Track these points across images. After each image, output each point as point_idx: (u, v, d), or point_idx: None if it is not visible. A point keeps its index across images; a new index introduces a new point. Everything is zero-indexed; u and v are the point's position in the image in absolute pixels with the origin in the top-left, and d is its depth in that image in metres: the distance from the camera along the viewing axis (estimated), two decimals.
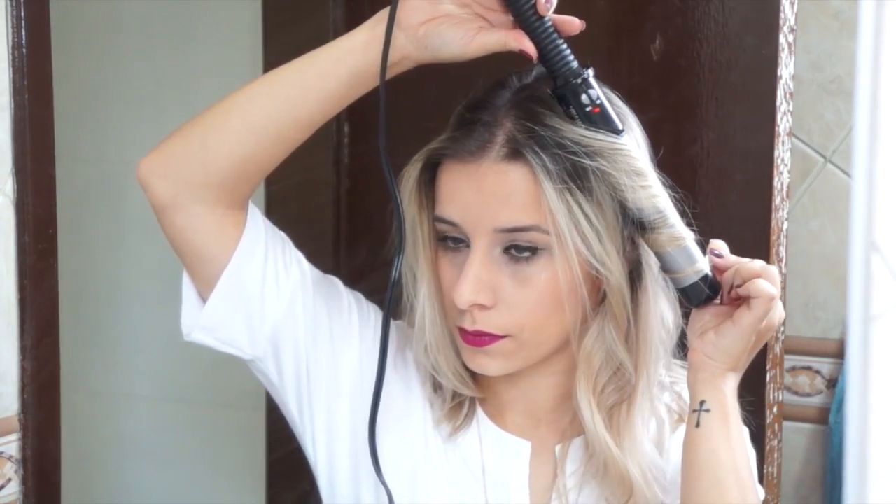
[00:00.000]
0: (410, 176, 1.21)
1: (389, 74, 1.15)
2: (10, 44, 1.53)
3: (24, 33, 1.53)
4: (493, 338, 1.17)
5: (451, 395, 1.27)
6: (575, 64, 1.12)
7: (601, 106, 1.12)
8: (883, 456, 0.57)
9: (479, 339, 1.18)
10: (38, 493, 1.60)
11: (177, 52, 2.30)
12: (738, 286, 1.15)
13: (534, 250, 1.15)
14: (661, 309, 1.21)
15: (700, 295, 1.16)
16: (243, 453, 2.33)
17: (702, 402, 1.15)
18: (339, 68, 1.14)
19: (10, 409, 1.57)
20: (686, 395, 1.23)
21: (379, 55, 1.12)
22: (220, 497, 2.37)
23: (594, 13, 1.82)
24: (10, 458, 1.58)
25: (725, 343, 1.15)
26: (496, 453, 1.25)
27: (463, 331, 1.19)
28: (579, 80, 1.12)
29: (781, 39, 1.69)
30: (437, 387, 1.27)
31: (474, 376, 1.26)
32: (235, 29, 2.23)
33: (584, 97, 1.12)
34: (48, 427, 1.61)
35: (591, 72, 1.13)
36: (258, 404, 2.25)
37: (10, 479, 1.58)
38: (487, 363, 1.20)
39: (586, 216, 1.12)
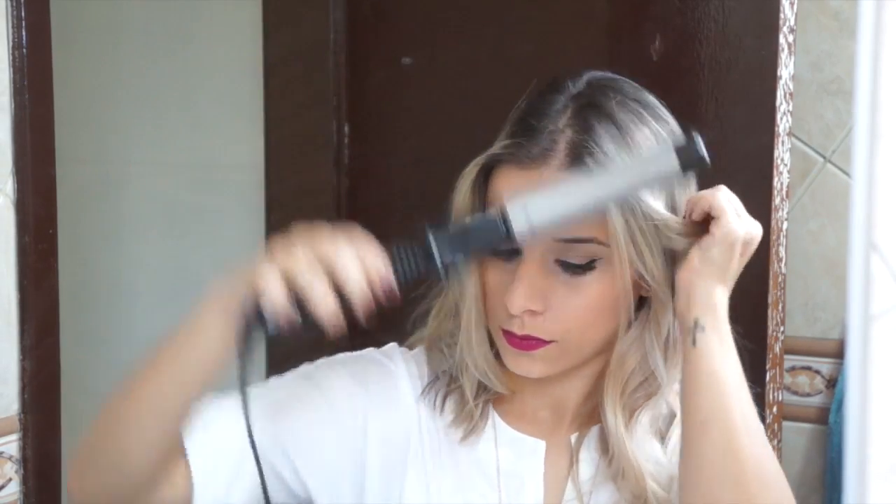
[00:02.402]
0: (467, 178, 1.20)
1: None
2: (10, 44, 1.53)
3: (24, 33, 1.53)
4: (540, 342, 1.18)
5: (463, 399, 1.26)
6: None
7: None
8: (883, 456, 0.57)
9: (527, 342, 1.18)
10: (39, 493, 1.60)
11: (177, 52, 2.30)
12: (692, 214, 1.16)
13: (590, 261, 1.16)
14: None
15: None
16: None
17: (695, 321, 1.15)
18: (204, 368, 1.10)
19: (11, 409, 1.57)
20: None
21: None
22: None
23: (594, 13, 1.83)
24: (10, 457, 1.58)
25: (710, 253, 1.15)
26: (511, 454, 1.26)
27: (509, 334, 1.19)
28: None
29: (781, 40, 1.69)
30: (449, 390, 1.27)
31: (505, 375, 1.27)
32: (235, 29, 2.23)
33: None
34: (48, 427, 1.62)
35: (430, 235, 1.09)
36: None
37: (10, 479, 1.58)
38: (531, 366, 1.20)
39: (640, 229, 1.14)
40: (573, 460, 1.25)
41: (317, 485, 1.24)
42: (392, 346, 1.31)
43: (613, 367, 1.21)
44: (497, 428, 1.27)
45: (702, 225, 1.17)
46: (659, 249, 1.15)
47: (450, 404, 1.27)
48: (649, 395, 1.23)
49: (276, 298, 1.03)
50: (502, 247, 1.12)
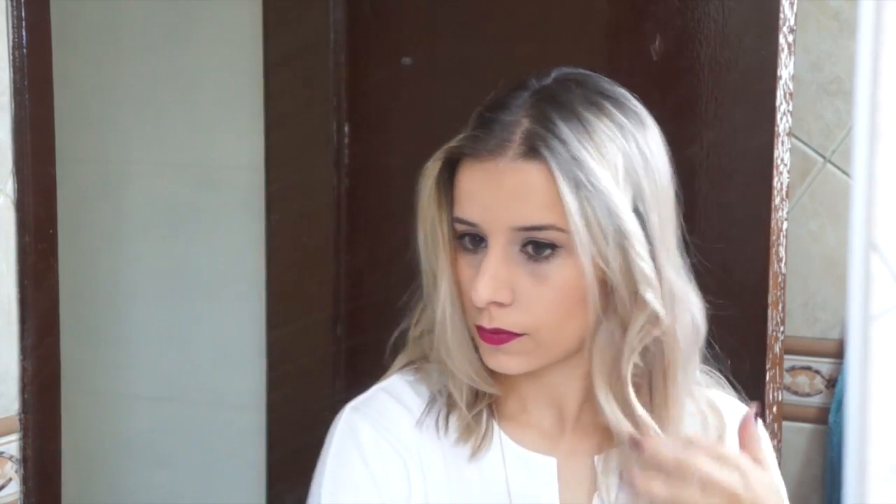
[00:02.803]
0: (430, 175, 1.21)
1: None
2: (11, 44, 1.53)
3: (24, 33, 1.53)
4: (511, 335, 1.17)
5: (462, 412, 1.25)
6: None
7: None
8: (883, 456, 0.57)
9: (497, 336, 1.18)
10: (39, 493, 1.60)
11: (177, 52, 2.30)
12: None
13: (552, 248, 1.15)
14: (688, 308, 1.20)
15: None
16: (243, 453, 2.33)
17: None
18: None
19: (11, 409, 1.57)
20: (719, 403, 1.25)
21: None
22: (220, 497, 2.37)
23: (594, 13, 1.83)
24: (10, 457, 1.58)
25: None
26: (521, 474, 1.24)
27: (481, 329, 1.19)
28: None
29: (781, 40, 1.69)
30: (450, 408, 1.26)
31: (496, 378, 1.25)
32: (235, 29, 2.23)
33: None
34: (49, 427, 1.62)
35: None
36: (258, 404, 2.25)
37: (10, 479, 1.58)
38: (506, 361, 1.19)
39: (597, 217, 1.13)
40: (598, 484, 1.23)
41: None
42: (372, 396, 1.28)
43: (595, 363, 1.19)
44: (504, 446, 1.25)
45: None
46: (616, 241, 1.14)
47: (452, 421, 1.25)
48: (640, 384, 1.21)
49: None
50: None
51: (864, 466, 0.57)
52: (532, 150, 1.14)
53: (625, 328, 1.18)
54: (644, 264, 1.15)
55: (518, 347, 1.18)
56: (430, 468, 1.24)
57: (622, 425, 1.19)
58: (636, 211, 1.16)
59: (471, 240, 1.19)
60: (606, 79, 1.23)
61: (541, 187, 1.14)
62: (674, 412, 1.20)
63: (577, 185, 1.12)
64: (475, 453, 1.24)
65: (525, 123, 1.15)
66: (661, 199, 1.18)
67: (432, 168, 1.21)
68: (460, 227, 1.19)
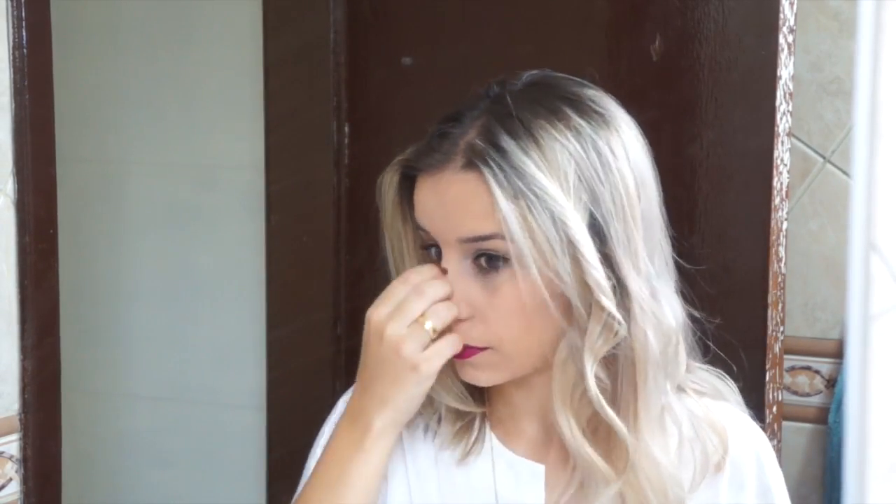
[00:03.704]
0: (389, 187, 1.21)
1: None
2: (11, 44, 1.53)
3: (24, 33, 1.53)
4: (474, 349, 1.17)
5: (457, 415, 1.25)
6: None
7: None
8: (883, 456, 0.57)
9: (463, 350, 1.17)
10: (39, 493, 1.60)
11: (177, 52, 2.30)
12: None
13: (502, 260, 1.14)
14: (656, 318, 1.16)
15: None
16: (243, 453, 2.33)
17: None
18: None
19: (11, 409, 1.57)
20: (715, 410, 1.22)
21: None
22: (220, 497, 2.37)
23: (594, 13, 1.83)
24: (10, 457, 1.58)
25: None
26: (509, 479, 1.23)
27: None
28: None
29: (781, 40, 1.69)
30: (440, 414, 1.25)
31: (481, 392, 1.25)
32: (235, 29, 2.23)
33: None
34: (49, 427, 1.62)
35: None
36: (258, 404, 2.25)
37: (10, 479, 1.58)
38: (475, 374, 1.19)
39: (540, 226, 1.11)
40: (582, 491, 1.21)
41: None
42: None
43: (556, 375, 1.17)
44: (494, 450, 1.24)
45: None
46: (565, 250, 1.11)
47: (445, 423, 1.25)
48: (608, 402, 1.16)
49: None
50: None
51: (864, 466, 0.57)
52: (470, 162, 1.14)
53: (583, 343, 1.14)
54: (596, 272, 1.12)
55: (484, 360, 1.18)
56: (419, 470, 1.24)
57: (581, 448, 1.17)
58: (592, 217, 1.13)
59: (436, 251, 1.19)
60: (578, 80, 1.21)
61: (479, 197, 1.13)
62: (644, 426, 1.16)
63: (516, 195, 1.11)
64: (465, 457, 1.24)
65: (470, 136, 1.15)
66: (627, 204, 1.15)
67: (389, 181, 1.21)
68: (424, 237, 1.20)
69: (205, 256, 2.31)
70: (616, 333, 1.14)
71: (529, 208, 1.11)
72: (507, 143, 1.13)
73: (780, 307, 1.74)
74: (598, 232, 1.13)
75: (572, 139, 1.14)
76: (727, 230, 1.74)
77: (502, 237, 1.12)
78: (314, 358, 2.15)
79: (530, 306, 1.14)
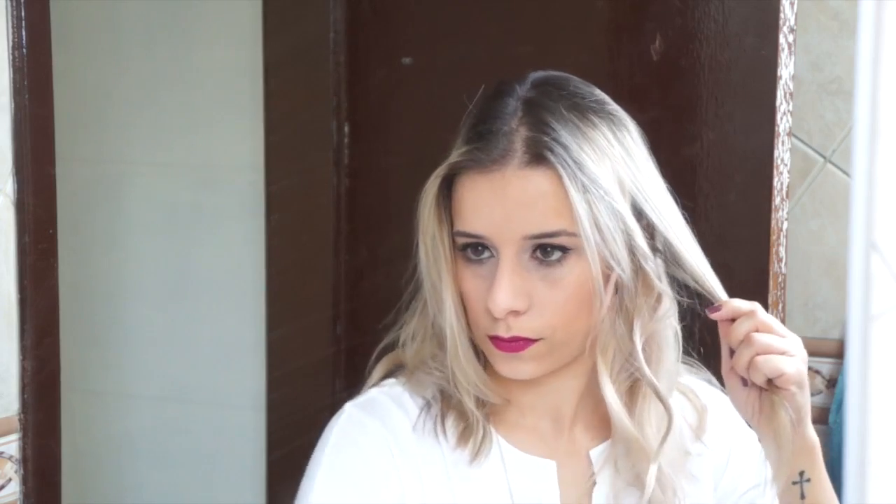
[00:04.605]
0: (430, 192, 1.21)
1: None
2: (10, 44, 1.53)
3: (24, 33, 1.53)
4: (528, 342, 1.18)
5: (463, 415, 1.25)
6: None
7: None
8: (883, 456, 0.57)
9: (516, 344, 1.18)
10: (39, 493, 1.60)
11: (177, 52, 2.30)
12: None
13: (563, 250, 1.16)
14: (665, 302, 1.23)
15: None
16: (243, 453, 2.33)
17: (801, 473, 1.15)
18: None
19: (11, 409, 1.57)
20: (698, 390, 1.29)
21: None
22: (220, 497, 2.37)
23: (594, 13, 1.83)
24: (10, 457, 1.58)
25: (794, 403, 1.17)
26: (522, 477, 1.24)
27: (497, 339, 1.19)
28: None
29: (781, 39, 1.69)
30: (445, 414, 1.26)
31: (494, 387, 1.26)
32: (235, 29, 2.23)
33: None
34: (48, 427, 1.62)
35: None
36: (258, 404, 2.25)
37: (10, 479, 1.58)
38: (521, 368, 1.20)
39: (604, 219, 1.15)
40: (595, 479, 1.24)
41: None
42: (373, 398, 1.27)
43: (602, 359, 1.21)
44: (503, 450, 1.25)
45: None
46: (622, 238, 1.16)
47: (450, 425, 1.25)
48: (631, 376, 1.23)
49: None
50: None
51: (864, 466, 0.57)
52: (537, 156, 1.15)
53: (630, 322, 1.20)
54: (649, 258, 1.18)
55: (533, 353, 1.19)
56: (430, 472, 1.24)
57: (623, 422, 1.21)
58: (634, 208, 1.18)
59: (473, 250, 1.19)
60: (581, 81, 1.24)
61: (549, 193, 1.15)
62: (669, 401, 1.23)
63: (584, 189, 1.14)
64: (475, 458, 1.24)
65: (523, 132, 1.16)
66: (658, 195, 1.21)
67: (433, 184, 1.21)
68: (463, 241, 1.20)
69: (205, 256, 2.31)
70: (662, 312, 1.21)
71: (595, 203, 1.14)
72: (566, 138, 1.15)
73: (780, 307, 1.74)
74: (640, 222, 1.19)
75: (608, 134, 1.18)
76: (727, 230, 1.74)
77: (569, 233, 1.15)
78: (314, 358, 2.15)
79: (587, 294, 1.18)
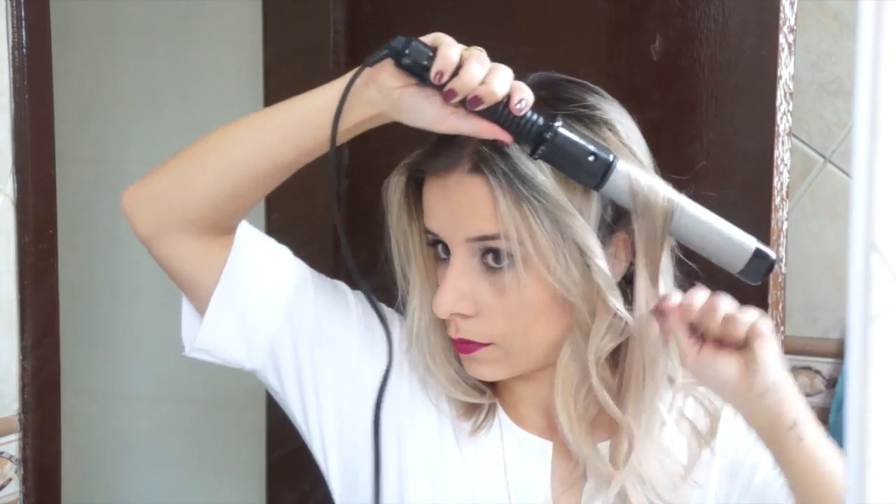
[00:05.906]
0: (396, 188, 1.24)
1: (364, 128, 1.19)
2: (10, 44, 1.53)
3: (24, 33, 1.53)
4: (477, 345, 1.20)
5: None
6: (540, 122, 1.11)
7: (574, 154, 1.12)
8: (883, 456, 0.57)
9: (466, 346, 1.21)
10: (38, 493, 1.60)
11: (177, 51, 2.30)
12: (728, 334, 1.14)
13: (508, 259, 1.16)
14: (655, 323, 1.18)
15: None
16: (243, 453, 2.33)
17: (794, 422, 1.15)
18: (316, 119, 1.17)
19: (11, 409, 1.57)
20: (714, 395, 1.25)
21: (353, 110, 1.15)
22: (220, 497, 2.37)
23: (594, 13, 1.82)
24: (10, 457, 1.58)
25: (766, 363, 1.17)
26: (518, 452, 1.26)
27: (452, 338, 1.22)
28: (547, 138, 1.11)
29: (781, 39, 1.69)
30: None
31: (490, 383, 1.27)
32: (235, 29, 2.23)
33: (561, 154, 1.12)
34: (48, 427, 1.62)
35: (558, 123, 1.12)
36: (258, 404, 2.25)
37: (10, 479, 1.58)
38: (480, 369, 1.22)
39: (544, 231, 1.13)
40: (587, 475, 1.24)
41: (327, 395, 1.25)
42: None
43: (559, 374, 1.20)
44: (503, 426, 1.27)
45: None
46: (570, 253, 1.14)
47: (454, 397, 1.27)
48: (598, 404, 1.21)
49: (450, 53, 1.10)
50: (584, 182, 1.13)
51: (864, 466, 0.57)
52: (476, 167, 1.16)
53: (587, 341, 1.18)
54: (603, 275, 1.15)
55: (487, 356, 1.20)
56: (443, 433, 1.27)
57: (581, 448, 1.20)
58: (612, 214, 1.17)
59: (443, 248, 1.21)
60: (579, 82, 1.23)
61: (484, 199, 1.15)
62: (646, 418, 1.20)
63: (518, 199, 1.13)
64: (476, 430, 1.26)
65: (476, 141, 1.16)
66: (649, 203, 1.16)
67: (395, 182, 1.24)
68: (428, 236, 1.22)
69: None
70: (622, 332, 1.18)
71: (533, 213, 1.13)
72: (513, 150, 1.14)
73: (780, 307, 1.74)
74: (618, 229, 1.17)
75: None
76: None
77: (508, 237, 1.15)
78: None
79: (534, 305, 1.17)
